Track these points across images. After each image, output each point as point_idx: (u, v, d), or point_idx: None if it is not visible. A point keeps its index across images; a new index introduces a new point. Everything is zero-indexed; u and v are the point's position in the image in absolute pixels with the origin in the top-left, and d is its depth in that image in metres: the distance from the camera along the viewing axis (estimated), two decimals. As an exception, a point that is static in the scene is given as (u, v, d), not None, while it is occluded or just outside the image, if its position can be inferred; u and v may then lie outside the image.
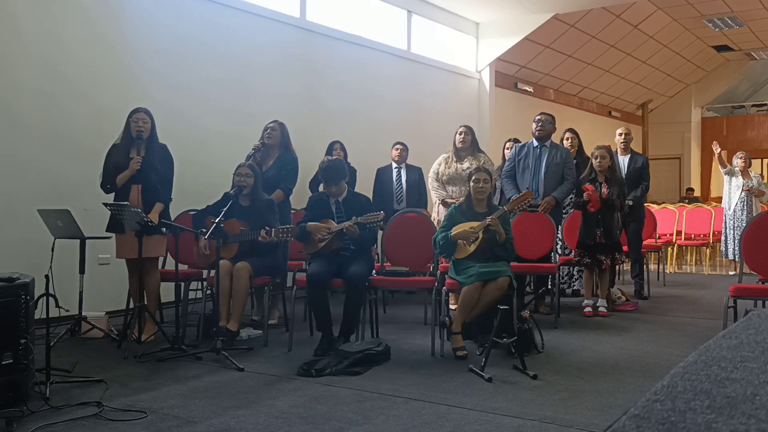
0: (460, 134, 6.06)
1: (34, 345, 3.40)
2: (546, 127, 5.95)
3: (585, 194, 5.65)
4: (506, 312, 3.97)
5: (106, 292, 5.46)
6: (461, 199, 5.71)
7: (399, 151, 7.24)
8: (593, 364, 4.07)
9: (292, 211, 6.58)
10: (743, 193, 8.53)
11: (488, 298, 4.31)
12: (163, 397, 3.45)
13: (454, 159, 6.08)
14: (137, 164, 4.71)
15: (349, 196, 4.81)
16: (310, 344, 4.56)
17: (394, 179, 7.17)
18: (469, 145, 6.05)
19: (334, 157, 6.07)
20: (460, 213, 4.73)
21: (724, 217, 8.86)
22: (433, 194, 6.23)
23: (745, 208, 8.51)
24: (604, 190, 5.65)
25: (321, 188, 6.88)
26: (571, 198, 6.00)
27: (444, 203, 6.03)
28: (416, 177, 7.12)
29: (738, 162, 8.67)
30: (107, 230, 4.86)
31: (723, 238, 8.83)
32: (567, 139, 6.74)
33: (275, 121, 5.58)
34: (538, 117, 6.01)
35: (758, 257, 4.63)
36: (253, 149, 5.48)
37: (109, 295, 5.44)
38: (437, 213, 6.05)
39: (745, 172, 8.61)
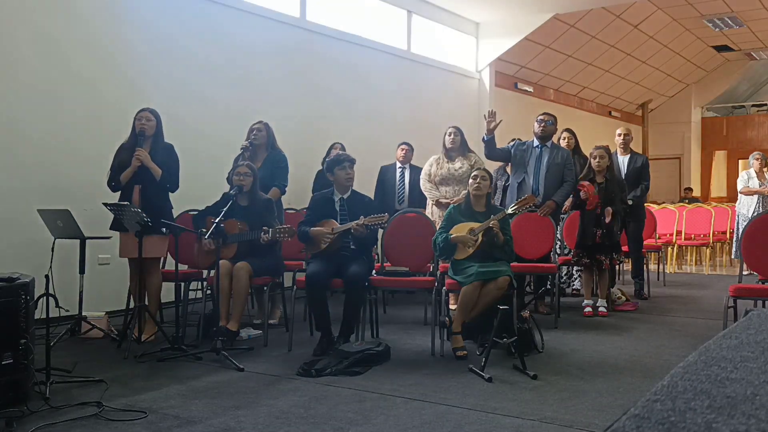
0: (450, 135, 6.08)
1: (34, 345, 3.39)
2: (549, 128, 5.99)
3: (582, 192, 5.63)
4: (506, 312, 3.97)
5: (106, 292, 5.46)
6: (456, 199, 5.72)
7: (404, 151, 7.23)
8: (593, 364, 4.07)
9: (291, 212, 6.59)
10: (760, 195, 8.54)
11: (488, 297, 4.31)
12: (163, 397, 3.45)
13: (445, 159, 6.10)
14: (138, 160, 4.70)
15: (353, 196, 4.83)
16: (310, 344, 4.56)
17: (397, 179, 7.17)
18: (459, 146, 6.07)
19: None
20: (459, 213, 4.73)
21: (737, 218, 8.83)
22: (426, 195, 6.23)
23: (761, 209, 8.50)
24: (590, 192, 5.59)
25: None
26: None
27: (438, 204, 6.04)
28: (419, 177, 7.12)
29: (755, 163, 8.68)
30: (111, 228, 4.85)
31: (735, 238, 8.81)
32: (564, 138, 6.75)
33: (260, 122, 5.58)
34: (541, 117, 6.03)
35: (758, 257, 4.63)
36: (241, 148, 5.47)
37: (109, 295, 5.44)
38: (431, 213, 6.05)
39: (760, 173, 8.61)
